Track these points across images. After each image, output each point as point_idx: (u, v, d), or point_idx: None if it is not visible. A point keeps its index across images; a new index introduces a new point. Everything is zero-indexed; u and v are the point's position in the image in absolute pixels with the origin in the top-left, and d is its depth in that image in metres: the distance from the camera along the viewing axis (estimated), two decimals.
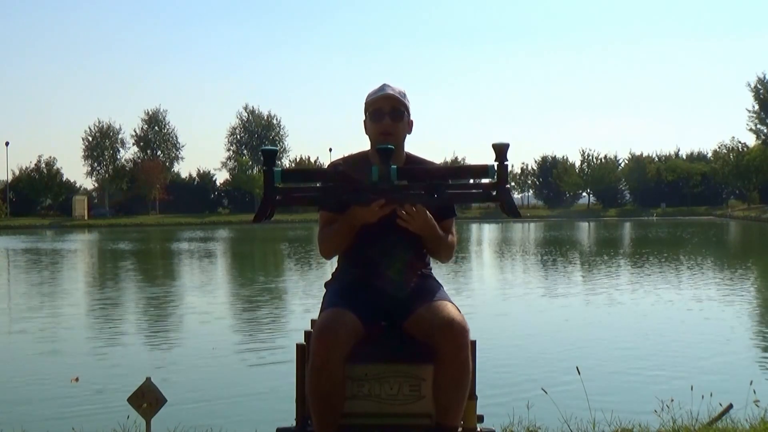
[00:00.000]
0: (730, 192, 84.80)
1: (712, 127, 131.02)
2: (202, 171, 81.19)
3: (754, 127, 74.70)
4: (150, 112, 78.67)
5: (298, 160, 79.77)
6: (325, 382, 2.42)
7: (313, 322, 2.64)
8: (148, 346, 8.67)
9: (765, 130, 74.05)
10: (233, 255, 27.37)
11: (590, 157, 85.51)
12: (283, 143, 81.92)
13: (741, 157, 75.22)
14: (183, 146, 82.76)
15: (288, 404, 2.75)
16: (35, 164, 72.47)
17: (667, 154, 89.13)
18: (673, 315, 10.35)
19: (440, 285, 2.75)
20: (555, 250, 25.93)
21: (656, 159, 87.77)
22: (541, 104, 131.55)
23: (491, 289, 14.18)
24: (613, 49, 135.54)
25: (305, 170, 2.79)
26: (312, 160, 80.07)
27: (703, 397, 4.57)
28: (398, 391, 2.61)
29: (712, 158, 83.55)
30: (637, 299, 12.07)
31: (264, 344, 8.61)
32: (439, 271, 2.94)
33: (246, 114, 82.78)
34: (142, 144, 77.74)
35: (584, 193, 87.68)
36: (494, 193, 2.41)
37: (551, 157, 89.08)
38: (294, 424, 2.67)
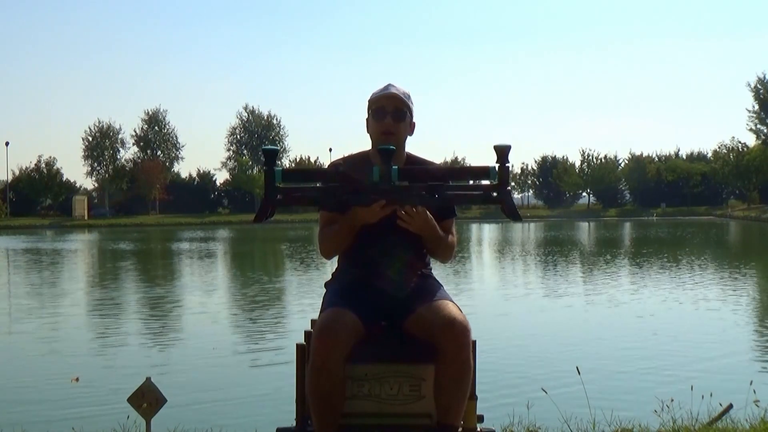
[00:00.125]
0: (730, 192, 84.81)
1: (712, 127, 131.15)
2: (202, 171, 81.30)
3: (754, 127, 74.77)
4: (150, 112, 78.75)
5: (298, 160, 79.76)
6: (325, 381, 2.42)
7: (313, 322, 2.64)
8: (148, 346, 8.67)
9: (765, 130, 74.07)
10: (233, 255, 27.37)
11: (590, 157, 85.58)
12: (283, 143, 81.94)
13: (741, 157, 75.22)
14: (183, 146, 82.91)
15: (288, 404, 2.75)
16: (35, 164, 72.58)
17: (667, 154, 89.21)
18: (673, 315, 10.35)
19: (440, 285, 2.75)
20: (555, 250, 25.93)
21: (656, 159, 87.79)
22: (541, 104, 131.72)
23: (491, 290, 14.18)
24: (613, 49, 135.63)
25: (306, 170, 2.79)
26: (312, 160, 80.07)
27: (703, 397, 4.57)
28: (398, 391, 2.61)
29: (712, 158, 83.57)
30: (637, 299, 12.07)
31: (264, 344, 8.61)
32: (439, 271, 2.94)
33: (246, 114, 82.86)
34: (142, 144, 77.75)
35: (584, 193, 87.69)
36: (495, 195, 2.41)
37: (551, 157, 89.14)
38: (294, 424, 2.67)
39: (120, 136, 76.80)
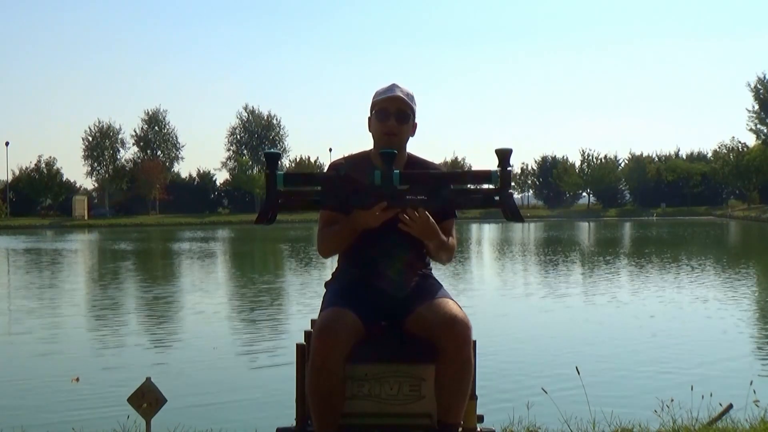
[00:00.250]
0: (730, 192, 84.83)
1: (712, 127, 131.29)
2: (202, 171, 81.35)
3: (754, 127, 74.76)
4: (150, 112, 78.81)
5: (298, 160, 79.76)
6: (325, 381, 2.42)
7: (313, 322, 2.64)
8: (148, 346, 8.67)
9: (765, 130, 74.05)
10: (233, 255, 27.37)
11: (590, 157, 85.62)
12: (283, 143, 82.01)
13: (741, 157, 75.24)
14: (183, 146, 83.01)
15: (288, 404, 2.75)
16: (35, 164, 72.64)
17: (667, 154, 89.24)
18: (673, 315, 10.35)
19: (440, 284, 2.75)
20: (555, 250, 25.93)
21: (656, 159, 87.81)
22: (541, 104, 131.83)
23: (491, 290, 14.18)
24: (613, 49, 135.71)
25: (308, 174, 2.80)
26: (312, 160, 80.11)
27: (703, 397, 4.57)
28: (398, 391, 2.62)
29: (712, 158, 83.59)
30: (637, 299, 12.07)
31: (264, 344, 8.60)
32: (439, 271, 2.94)
33: (246, 114, 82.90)
34: (142, 144, 77.77)
35: (584, 193, 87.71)
36: (497, 198, 2.41)
37: (551, 157, 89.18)
38: (294, 424, 2.67)
39: (120, 136, 76.98)
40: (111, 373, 7.08)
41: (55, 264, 22.06)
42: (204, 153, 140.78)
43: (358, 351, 2.50)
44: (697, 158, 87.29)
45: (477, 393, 2.64)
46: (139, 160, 75.98)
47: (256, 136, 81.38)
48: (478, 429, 2.69)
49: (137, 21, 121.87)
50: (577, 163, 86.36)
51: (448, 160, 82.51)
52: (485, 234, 40.37)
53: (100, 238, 40.79)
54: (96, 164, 75.22)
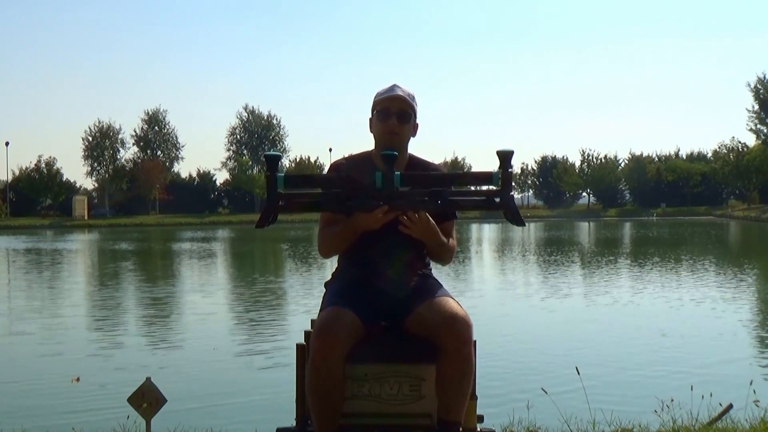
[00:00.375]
0: (730, 192, 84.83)
1: (712, 127, 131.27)
2: (202, 171, 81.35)
3: (754, 127, 74.74)
4: (150, 112, 78.80)
5: (298, 160, 79.77)
6: (325, 380, 2.42)
7: (313, 322, 2.64)
8: (149, 346, 8.66)
9: (765, 130, 74.04)
10: (233, 255, 27.37)
11: (590, 157, 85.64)
12: (283, 143, 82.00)
13: (741, 157, 75.24)
14: (183, 146, 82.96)
15: (288, 404, 2.75)
16: (35, 164, 72.61)
17: (667, 154, 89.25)
18: (673, 315, 10.35)
19: (440, 284, 2.76)
20: (555, 250, 25.93)
21: (656, 159, 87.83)
22: (541, 104, 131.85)
23: (491, 290, 14.18)
24: (613, 49, 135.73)
25: (308, 176, 2.81)
26: (312, 160, 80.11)
27: (703, 397, 4.57)
28: (398, 391, 2.62)
29: (712, 158, 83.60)
30: (637, 299, 12.07)
31: (264, 344, 8.60)
32: (439, 271, 2.94)
33: (246, 114, 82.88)
34: (142, 144, 77.77)
35: (584, 193, 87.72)
36: (498, 200, 2.42)
37: (551, 157, 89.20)
38: (294, 424, 2.67)
39: (120, 136, 76.96)
40: (111, 373, 7.07)
41: (55, 264, 22.06)
42: (204, 153, 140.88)
43: (358, 351, 2.51)
44: (697, 158, 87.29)
45: (477, 393, 2.64)
46: (139, 160, 75.98)
47: (256, 136, 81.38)
48: (478, 429, 2.69)
49: (137, 21, 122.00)
50: (577, 163, 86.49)
51: (448, 160, 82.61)
52: (485, 234, 40.37)
53: (100, 238, 40.80)
54: (96, 164, 75.23)
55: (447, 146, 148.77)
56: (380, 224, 2.47)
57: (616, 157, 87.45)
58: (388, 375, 2.62)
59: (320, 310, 2.61)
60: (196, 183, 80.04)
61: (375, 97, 2.77)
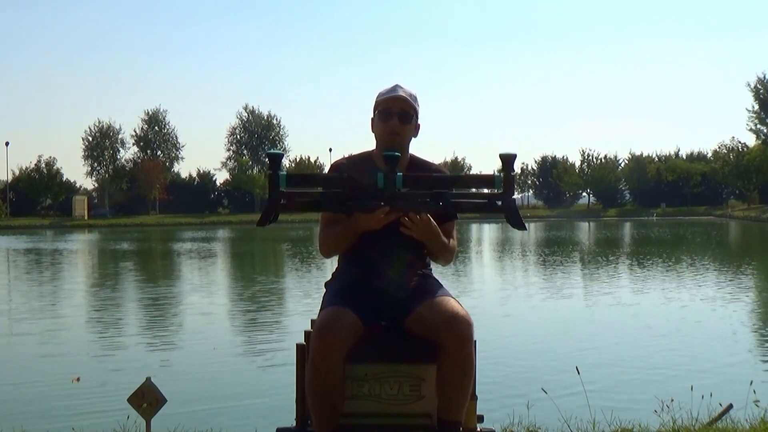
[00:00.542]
0: (730, 192, 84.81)
1: (712, 127, 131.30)
2: (202, 171, 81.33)
3: (754, 127, 74.72)
4: (150, 112, 78.77)
5: (298, 160, 79.74)
6: (325, 380, 2.42)
7: (313, 322, 2.64)
8: (149, 346, 8.66)
9: (765, 130, 74.03)
10: (234, 255, 27.37)
11: (590, 157, 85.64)
12: (283, 143, 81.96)
13: (741, 157, 75.21)
14: (183, 146, 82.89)
15: (288, 404, 2.75)
16: (35, 164, 72.57)
17: (667, 154, 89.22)
18: (674, 315, 10.34)
19: (440, 284, 2.76)
20: (555, 250, 25.92)
21: (656, 159, 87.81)
22: (541, 104, 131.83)
23: (491, 290, 14.17)
24: (613, 49, 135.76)
25: (310, 175, 2.81)
26: (312, 160, 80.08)
27: (703, 397, 4.57)
28: (398, 391, 2.62)
29: (712, 158, 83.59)
30: (637, 299, 12.07)
31: (264, 344, 8.61)
32: (439, 271, 2.94)
33: (246, 114, 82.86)
34: (142, 144, 77.75)
35: (584, 193, 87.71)
36: (499, 204, 2.42)
37: (551, 157, 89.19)
38: (294, 424, 2.67)
39: (120, 136, 76.93)
40: (111, 373, 7.08)
41: (55, 264, 22.06)
42: (204, 153, 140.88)
43: (358, 351, 2.51)
44: (697, 158, 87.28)
45: (477, 393, 2.64)
46: (139, 160, 75.96)
47: (256, 136, 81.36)
48: (478, 429, 2.69)
49: (137, 21, 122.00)
50: (577, 163, 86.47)
51: (448, 160, 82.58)
52: (485, 234, 40.38)
53: (100, 238, 40.79)
54: (96, 164, 75.21)
55: (447, 146, 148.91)
56: (381, 225, 2.47)
57: (616, 157, 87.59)
58: (388, 375, 2.62)
59: (320, 310, 2.61)
60: (196, 183, 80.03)
61: (377, 97, 2.78)
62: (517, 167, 2.51)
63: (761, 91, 73.04)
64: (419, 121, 2.80)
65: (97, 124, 75.75)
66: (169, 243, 34.50)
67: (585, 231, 45.59)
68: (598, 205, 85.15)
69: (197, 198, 75.96)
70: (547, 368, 6.94)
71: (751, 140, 76.76)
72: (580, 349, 7.99)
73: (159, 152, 78.16)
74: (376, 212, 2.42)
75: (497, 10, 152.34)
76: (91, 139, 75.21)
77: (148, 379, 3.42)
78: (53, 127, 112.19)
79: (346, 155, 2.91)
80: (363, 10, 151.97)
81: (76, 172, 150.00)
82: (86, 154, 74.87)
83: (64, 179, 74.04)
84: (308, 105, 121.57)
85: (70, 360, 7.84)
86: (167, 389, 3.51)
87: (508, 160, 2.40)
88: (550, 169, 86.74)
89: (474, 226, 51.70)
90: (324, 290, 2.81)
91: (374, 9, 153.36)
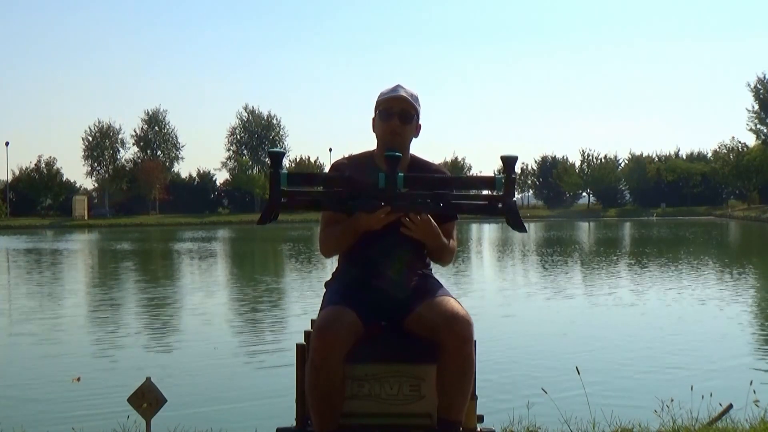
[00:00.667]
0: (730, 192, 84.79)
1: (712, 127, 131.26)
2: (202, 171, 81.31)
3: (754, 127, 74.65)
4: (150, 112, 78.74)
5: (298, 160, 79.73)
6: (325, 379, 2.43)
7: (313, 322, 2.64)
8: (149, 346, 8.67)
9: (765, 130, 73.98)
10: (234, 255, 27.37)
11: (590, 157, 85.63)
12: (283, 143, 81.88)
13: (741, 157, 75.21)
14: (183, 146, 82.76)
15: (288, 404, 2.75)
16: (35, 164, 72.62)
17: (667, 154, 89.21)
18: (673, 315, 10.34)
19: (440, 284, 2.76)
20: (556, 250, 25.93)
21: (656, 159, 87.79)
22: (541, 104, 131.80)
23: (491, 290, 14.17)
24: (613, 50, 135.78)
25: (311, 174, 2.82)
26: (312, 160, 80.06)
27: (703, 397, 4.57)
28: (398, 391, 2.62)
29: (712, 158, 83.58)
30: (637, 299, 12.07)
31: (264, 344, 8.61)
32: (439, 271, 2.94)
33: (246, 114, 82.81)
34: (142, 144, 77.74)
35: (584, 193, 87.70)
36: (500, 206, 2.42)
37: (551, 157, 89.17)
38: (294, 424, 2.67)
39: (120, 136, 76.91)
40: (111, 373, 7.08)
41: (55, 264, 22.06)
42: (204, 153, 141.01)
43: (358, 351, 2.51)
44: (697, 158, 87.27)
45: (477, 393, 2.64)
46: (139, 160, 75.95)
47: (256, 136, 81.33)
48: (478, 429, 2.69)
49: (137, 21, 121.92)
50: (577, 163, 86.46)
51: (448, 160, 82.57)
52: (485, 234, 40.38)
53: (100, 238, 40.79)
54: (96, 164, 75.20)
55: (447, 146, 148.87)
56: (382, 225, 2.48)
57: (616, 157, 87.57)
58: (388, 375, 2.62)
59: (320, 310, 2.61)
60: (196, 183, 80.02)
61: (378, 97, 2.78)
62: (517, 168, 2.51)
63: (761, 91, 73.00)
64: (420, 122, 2.81)
65: (97, 124, 75.85)
66: (169, 243, 34.50)
67: (585, 231, 45.59)
68: (598, 205, 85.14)
69: (197, 198, 75.96)
70: (547, 368, 6.94)
71: (751, 140, 76.85)
72: (580, 349, 7.99)
73: (159, 152, 78.14)
74: (377, 212, 2.42)
75: (497, 10, 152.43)
76: (91, 139, 75.22)
77: (148, 379, 3.42)
78: (53, 127, 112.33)
79: (347, 155, 2.91)
80: (363, 10, 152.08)
81: (76, 172, 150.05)
82: (86, 154, 74.89)
83: (64, 179, 74.10)
84: (308, 105, 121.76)
85: (70, 360, 7.84)
86: (167, 389, 3.51)
87: (509, 162, 2.41)
88: (550, 169, 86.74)
89: (474, 227, 51.68)
90: (324, 290, 2.81)
91: (374, 9, 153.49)
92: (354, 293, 2.62)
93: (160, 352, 8.32)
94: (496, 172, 2.46)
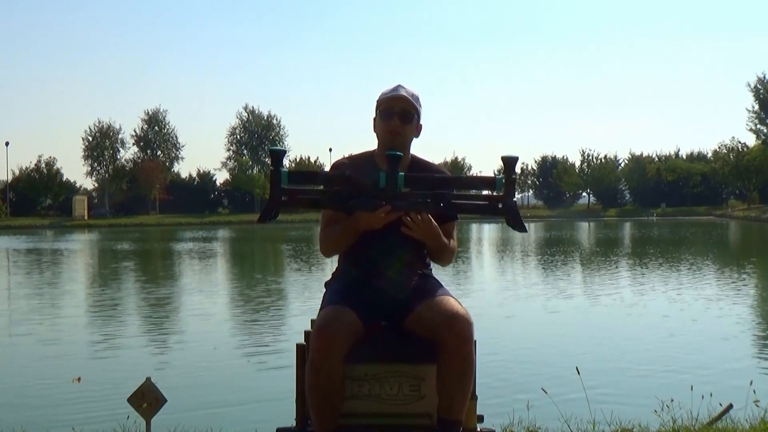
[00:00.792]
0: (730, 192, 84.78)
1: (712, 127, 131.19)
2: (202, 171, 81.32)
3: (754, 127, 74.66)
4: (150, 112, 78.76)
5: (298, 160, 79.74)
6: (324, 379, 2.43)
7: (313, 322, 2.64)
8: (149, 346, 8.67)
9: (765, 130, 73.98)
10: (234, 255, 27.37)
11: (590, 157, 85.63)
12: (283, 143, 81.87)
13: (741, 157, 75.20)
14: (183, 146, 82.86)
15: (288, 404, 2.75)
16: (35, 164, 72.59)
17: (667, 154, 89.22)
18: (674, 315, 10.34)
19: (440, 284, 2.76)
20: (555, 250, 25.92)
21: (656, 159, 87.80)
22: (541, 104, 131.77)
23: (491, 290, 14.17)
24: (613, 49, 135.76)
25: (312, 173, 2.81)
26: (312, 160, 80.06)
27: (703, 397, 4.57)
28: (398, 391, 2.62)
29: (712, 158, 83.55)
30: (637, 299, 12.07)
31: (264, 344, 8.61)
32: (439, 271, 2.94)
33: (246, 114, 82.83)
34: (142, 144, 77.74)
35: (584, 193, 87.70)
36: (500, 206, 2.42)
37: (551, 157, 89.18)
38: (294, 424, 2.67)
39: (120, 136, 76.90)
40: (111, 373, 7.08)
41: (55, 264, 22.06)
42: (204, 153, 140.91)
43: (358, 351, 2.51)
44: (697, 158, 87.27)
45: (477, 393, 2.64)
46: (139, 160, 75.95)
47: (256, 136, 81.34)
48: (478, 429, 2.69)
49: (137, 21, 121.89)
50: (577, 163, 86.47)
51: (448, 160, 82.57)
52: (485, 234, 40.38)
53: (100, 238, 40.79)
54: (96, 164, 75.20)
55: (447, 146, 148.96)
56: (382, 224, 2.48)
57: (616, 157, 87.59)
58: (388, 375, 2.62)
59: (320, 310, 2.61)
60: (196, 183, 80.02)
61: (379, 97, 2.78)
62: (517, 168, 2.51)
63: (761, 91, 73.00)
64: (421, 122, 2.81)
65: (97, 124, 75.84)
66: (169, 243, 34.50)
67: (585, 231, 45.59)
68: (598, 205, 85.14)
69: (197, 198, 75.96)
70: (547, 368, 6.94)
71: (751, 140, 76.84)
72: (580, 349, 7.99)
73: (159, 152, 78.14)
74: (377, 211, 2.42)
75: (497, 10, 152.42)
76: (91, 139, 75.22)
77: (148, 379, 3.42)
78: (53, 127, 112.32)
79: (347, 155, 2.91)
80: (363, 10, 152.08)
81: (76, 172, 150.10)
82: (86, 154, 74.89)
83: (64, 179, 74.07)
84: (308, 105, 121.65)
85: (70, 360, 7.84)
86: (167, 389, 3.51)
87: (509, 162, 2.41)
88: (550, 169, 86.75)
89: (474, 227, 51.68)
90: (324, 290, 2.81)
91: (374, 9, 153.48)
92: (354, 293, 2.62)
93: (160, 352, 8.32)
94: (496, 173, 2.46)
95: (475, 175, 2.67)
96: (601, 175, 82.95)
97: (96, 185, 77.40)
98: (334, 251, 2.78)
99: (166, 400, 3.39)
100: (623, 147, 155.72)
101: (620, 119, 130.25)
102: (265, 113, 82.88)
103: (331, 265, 3.01)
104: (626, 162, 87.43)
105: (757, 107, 73.55)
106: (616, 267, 18.74)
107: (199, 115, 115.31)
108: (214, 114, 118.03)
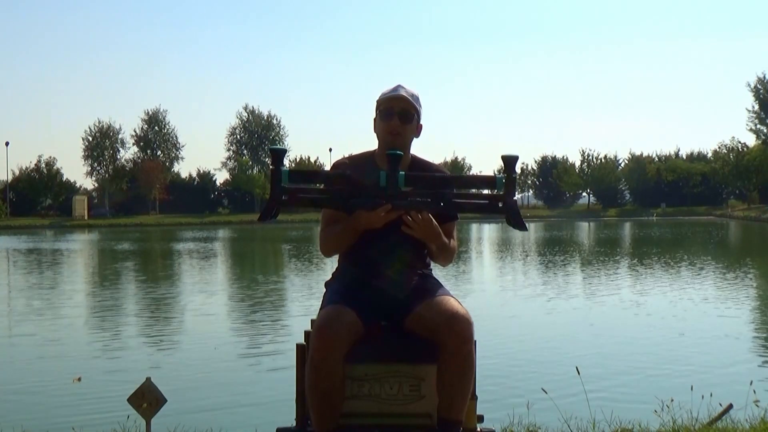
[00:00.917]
0: (730, 192, 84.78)
1: (712, 127, 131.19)
2: (202, 171, 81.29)
3: (754, 127, 74.67)
4: (150, 112, 78.76)
5: (298, 160, 79.74)
6: (324, 378, 2.43)
7: (313, 322, 2.64)
8: (149, 346, 8.67)
9: (765, 130, 73.98)
10: (234, 255, 27.37)
11: (590, 157, 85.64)
12: (283, 143, 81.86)
13: (741, 157, 75.20)
14: (183, 146, 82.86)
15: (288, 404, 2.75)
16: (35, 164, 72.61)
17: (667, 154, 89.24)
18: (674, 315, 10.34)
19: (440, 284, 2.76)
20: (556, 250, 25.92)
21: (656, 159, 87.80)
22: (541, 104, 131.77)
23: (491, 290, 14.17)
24: (613, 49, 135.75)
25: (312, 172, 2.80)
26: (312, 160, 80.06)
27: (703, 397, 4.57)
28: (398, 391, 2.62)
29: (712, 158, 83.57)
30: (638, 299, 12.06)
31: (264, 345, 8.61)
32: (440, 271, 2.94)
33: (246, 114, 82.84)
34: (142, 144, 77.73)
35: (584, 193, 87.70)
36: (501, 205, 2.42)
37: (551, 157, 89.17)
38: (294, 424, 2.67)
39: (120, 136, 76.90)
40: (111, 374, 7.08)
41: (55, 264, 22.06)
42: (204, 153, 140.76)
43: (358, 351, 2.51)
44: (697, 158, 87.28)
45: (477, 393, 2.64)
46: (139, 160, 75.94)
47: (256, 136, 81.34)
48: (478, 429, 2.69)
49: (137, 21, 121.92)
50: (577, 163, 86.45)
51: (448, 159, 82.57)
52: (485, 234, 40.37)
53: (100, 238, 40.79)
54: (96, 164, 75.19)
55: (447, 146, 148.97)
56: (382, 223, 2.47)
57: (616, 157, 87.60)
58: (388, 375, 2.62)
59: (320, 310, 2.61)
60: (196, 183, 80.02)
61: (379, 97, 2.78)
62: (517, 167, 2.51)
63: (761, 91, 72.99)
64: (422, 122, 2.81)
65: (97, 124, 75.84)
66: (169, 243, 34.50)
67: (585, 231, 45.58)
68: (598, 205, 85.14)
69: (197, 198, 75.95)
70: (548, 368, 6.95)
71: (751, 140, 76.85)
72: (580, 349, 7.99)
73: (159, 152, 78.13)
74: (378, 210, 2.42)
75: (497, 10, 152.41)
76: (91, 139, 75.22)
77: (148, 379, 3.42)
78: (53, 127, 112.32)
79: (347, 155, 2.92)
80: (363, 10, 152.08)
81: (76, 172, 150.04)
82: (86, 154, 74.88)
83: (64, 179, 74.08)
84: (308, 105, 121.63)
85: (70, 360, 7.84)
86: (167, 389, 3.51)
87: (509, 161, 2.41)
88: (550, 169, 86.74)
89: (474, 226, 51.68)
90: (324, 290, 2.81)
91: (374, 9, 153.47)
92: (354, 293, 2.62)
93: (160, 352, 8.32)
94: (496, 172, 2.45)
95: (475, 174, 2.67)
96: (601, 175, 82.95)
97: (96, 185, 77.43)
98: (334, 251, 2.78)
99: (166, 400, 3.39)
100: (623, 147, 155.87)
101: (620, 119, 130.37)
102: (265, 113, 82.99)
103: (331, 265, 3.01)
104: (626, 162, 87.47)
105: (757, 107, 73.55)
106: (616, 267, 18.74)
107: (199, 115, 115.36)
108: (214, 114, 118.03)
